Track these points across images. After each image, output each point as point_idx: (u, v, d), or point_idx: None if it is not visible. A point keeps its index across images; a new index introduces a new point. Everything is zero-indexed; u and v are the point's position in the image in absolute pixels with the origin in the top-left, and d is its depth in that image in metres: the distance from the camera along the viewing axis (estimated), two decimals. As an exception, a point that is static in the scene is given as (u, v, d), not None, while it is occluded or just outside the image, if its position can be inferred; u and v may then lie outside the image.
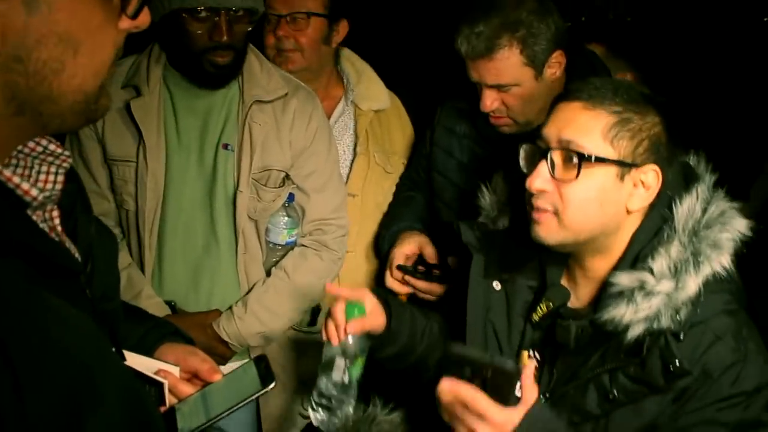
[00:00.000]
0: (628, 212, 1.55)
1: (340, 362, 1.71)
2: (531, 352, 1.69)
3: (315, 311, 2.53)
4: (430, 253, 2.37)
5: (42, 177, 1.00)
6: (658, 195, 1.55)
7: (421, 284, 2.32)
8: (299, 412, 2.55)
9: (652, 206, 1.56)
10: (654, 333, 1.47)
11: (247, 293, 2.33)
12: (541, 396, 1.61)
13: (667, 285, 1.47)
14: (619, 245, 1.57)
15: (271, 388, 1.44)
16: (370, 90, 2.65)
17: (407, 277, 2.33)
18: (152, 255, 2.28)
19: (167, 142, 2.24)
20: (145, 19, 0.91)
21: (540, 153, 1.56)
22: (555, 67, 2.17)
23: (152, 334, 1.53)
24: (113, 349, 1.05)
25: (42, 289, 0.87)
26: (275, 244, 2.36)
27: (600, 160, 1.50)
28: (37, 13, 0.79)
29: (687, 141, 1.62)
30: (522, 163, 1.63)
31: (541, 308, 1.64)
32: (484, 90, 2.18)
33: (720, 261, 1.49)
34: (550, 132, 1.56)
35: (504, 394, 1.40)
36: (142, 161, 2.21)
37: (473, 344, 1.73)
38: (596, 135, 1.51)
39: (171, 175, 2.25)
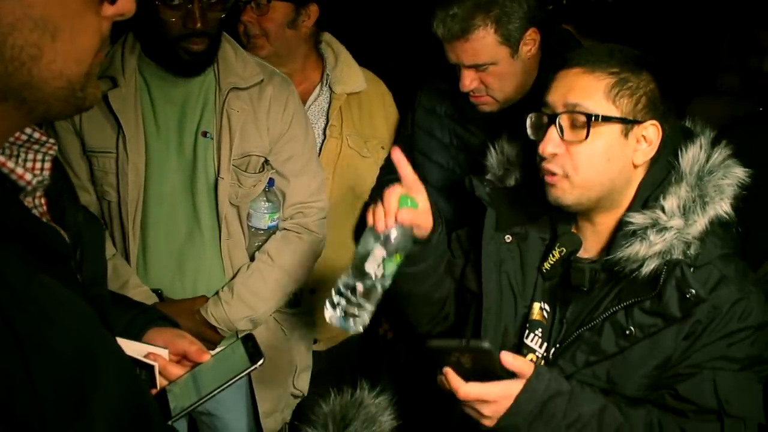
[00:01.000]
0: (635, 166, 1.65)
1: (378, 252, 1.62)
2: (542, 304, 1.76)
3: (297, 293, 2.56)
4: None
5: (29, 164, 1.00)
6: (662, 147, 1.64)
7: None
8: (291, 393, 2.59)
9: (656, 158, 1.65)
10: (670, 264, 1.56)
11: (233, 278, 2.35)
12: (553, 348, 1.72)
13: (677, 221, 1.57)
14: (626, 198, 1.67)
15: (260, 365, 1.45)
16: (345, 73, 2.68)
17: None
18: (136, 244, 2.29)
19: (146, 132, 2.25)
20: (128, 5, 0.90)
21: (548, 119, 1.64)
22: (530, 44, 2.22)
23: (139, 319, 1.54)
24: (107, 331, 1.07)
25: (39, 272, 0.89)
26: (257, 229, 2.39)
27: (606, 119, 1.59)
28: None
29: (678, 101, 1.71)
30: (529, 131, 1.71)
31: (553, 255, 1.72)
32: (462, 71, 2.23)
33: (722, 205, 1.60)
34: (555, 98, 1.64)
35: (492, 371, 1.50)
36: (122, 152, 2.22)
37: (489, 297, 1.80)
38: (599, 96, 1.60)
39: (151, 164, 2.26)
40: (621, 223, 1.64)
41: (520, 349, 1.77)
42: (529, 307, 1.78)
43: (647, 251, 1.57)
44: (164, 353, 1.47)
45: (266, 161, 2.35)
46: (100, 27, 0.90)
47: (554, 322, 1.73)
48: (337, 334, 2.75)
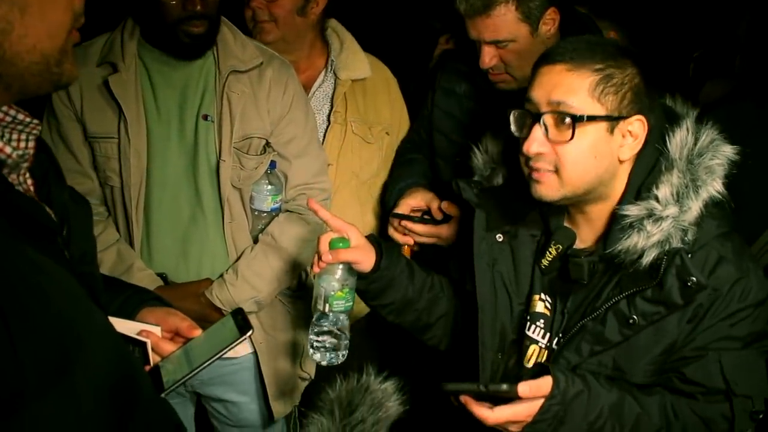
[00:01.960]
0: (620, 162, 1.63)
1: (319, 291, 1.79)
2: (542, 296, 1.76)
3: (302, 275, 2.56)
4: (435, 206, 2.40)
5: (14, 144, 1.02)
6: (648, 137, 1.62)
7: (418, 228, 2.36)
8: (299, 375, 2.61)
9: (644, 145, 1.63)
10: (670, 253, 1.57)
11: (237, 261, 2.36)
12: (555, 338, 1.73)
13: (672, 209, 1.57)
14: (616, 190, 1.66)
15: (249, 335, 1.49)
16: (350, 59, 2.67)
17: (406, 224, 2.39)
18: (140, 229, 2.31)
19: (147, 116, 2.26)
20: None
21: (531, 117, 1.62)
22: (549, 23, 2.23)
23: (133, 299, 1.57)
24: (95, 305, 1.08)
25: (23, 245, 0.90)
26: (260, 211, 2.39)
27: (591, 118, 1.57)
28: None
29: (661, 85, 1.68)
30: (513, 127, 1.68)
31: (550, 252, 1.72)
32: (482, 47, 2.24)
33: (713, 185, 1.60)
34: (539, 96, 1.61)
35: (509, 399, 1.54)
36: (124, 136, 2.23)
37: (483, 297, 1.80)
38: (583, 94, 1.57)
39: (153, 148, 2.27)
40: (616, 216, 1.63)
41: (521, 342, 1.78)
42: (528, 302, 1.78)
43: (646, 242, 1.57)
44: (157, 330, 1.50)
45: (267, 143, 2.36)
46: (71, 2, 0.91)
47: (555, 312, 1.74)
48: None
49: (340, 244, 1.76)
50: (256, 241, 2.40)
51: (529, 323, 1.77)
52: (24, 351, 0.80)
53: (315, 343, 1.82)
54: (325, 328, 1.80)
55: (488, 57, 2.24)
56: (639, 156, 1.64)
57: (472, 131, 2.40)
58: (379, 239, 1.89)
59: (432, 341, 2.02)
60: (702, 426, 1.59)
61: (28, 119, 1.03)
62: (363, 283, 1.82)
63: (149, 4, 2.17)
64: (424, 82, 2.70)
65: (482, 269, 1.80)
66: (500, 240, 1.81)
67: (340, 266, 1.79)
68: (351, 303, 1.83)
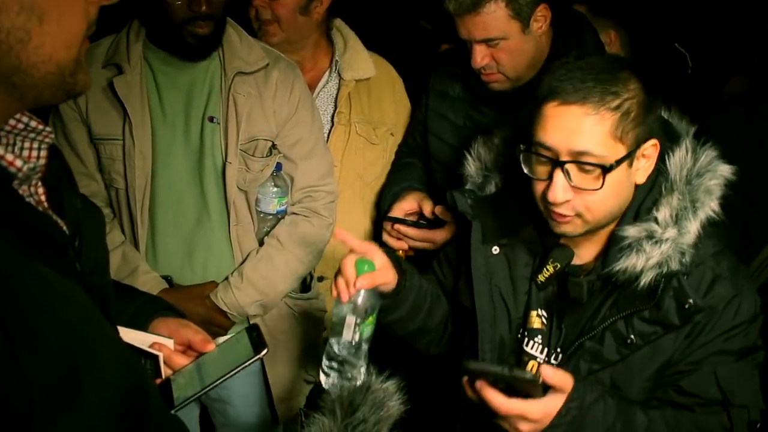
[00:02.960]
0: (636, 186, 1.62)
1: (350, 320, 1.65)
2: (539, 312, 1.74)
3: (307, 278, 2.55)
4: (428, 207, 2.40)
5: (25, 153, 1.00)
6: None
7: (412, 232, 2.36)
8: (304, 378, 2.59)
9: None
10: (668, 275, 1.57)
11: (242, 263, 2.35)
12: (553, 352, 1.71)
13: (672, 232, 1.56)
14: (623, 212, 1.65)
15: (264, 355, 1.45)
16: (353, 59, 2.65)
17: (399, 228, 2.38)
18: (145, 231, 2.29)
19: (152, 118, 2.25)
20: None
21: (552, 164, 1.56)
22: (541, 21, 2.21)
23: (145, 309, 1.55)
24: (106, 321, 1.06)
25: (31, 259, 0.88)
26: (266, 214, 2.38)
27: (619, 162, 1.53)
28: None
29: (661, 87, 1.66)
30: (525, 168, 1.63)
31: (547, 269, 1.70)
32: (473, 46, 2.22)
33: (711, 206, 1.59)
34: (557, 142, 1.54)
35: (532, 393, 1.47)
36: (129, 138, 2.22)
37: (482, 311, 1.78)
38: (606, 139, 1.52)
39: (158, 150, 2.25)
40: (614, 238, 1.62)
41: (520, 356, 1.77)
42: (525, 317, 1.76)
43: (645, 263, 1.56)
44: (169, 343, 1.48)
45: (273, 145, 2.34)
46: (87, 11, 0.89)
47: (552, 328, 1.72)
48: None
49: (366, 267, 1.65)
50: (261, 243, 2.39)
51: (527, 339, 1.76)
52: (31, 375, 0.78)
53: (333, 372, 1.70)
54: (349, 357, 1.68)
55: (480, 56, 2.22)
56: None
57: (466, 134, 2.40)
58: (395, 255, 1.83)
59: (425, 346, 2.00)
60: None
61: (40, 126, 1.02)
62: (384, 303, 1.74)
63: (154, 5, 2.15)
64: (418, 84, 2.69)
65: (480, 282, 1.79)
66: (496, 253, 1.79)
67: (366, 292, 1.66)
68: (374, 326, 1.72)
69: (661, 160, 1.61)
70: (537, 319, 1.74)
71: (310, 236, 2.38)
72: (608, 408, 1.55)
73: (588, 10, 2.82)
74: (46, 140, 1.03)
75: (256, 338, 1.49)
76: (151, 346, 1.43)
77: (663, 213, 1.57)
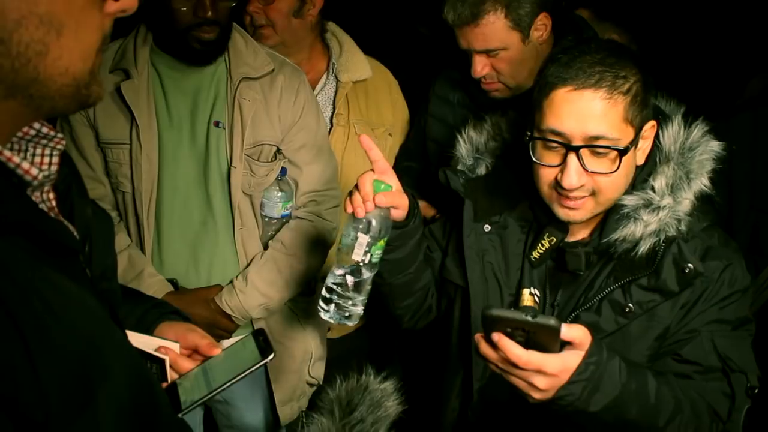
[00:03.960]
0: (638, 166, 1.65)
1: (363, 239, 1.60)
2: (531, 290, 1.75)
3: (311, 281, 2.55)
4: (428, 214, 2.41)
5: (37, 159, 1.00)
6: None
7: None
8: (306, 381, 2.60)
9: None
10: (667, 240, 1.60)
11: (247, 267, 2.36)
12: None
13: (668, 200, 1.61)
14: None
15: (270, 359, 1.46)
16: (350, 61, 2.68)
17: None
18: (151, 235, 2.31)
19: (159, 123, 2.26)
20: (131, 2, 0.91)
21: (566, 150, 1.57)
22: (541, 29, 2.20)
23: (151, 313, 1.56)
24: (116, 326, 1.07)
25: (45, 266, 0.89)
26: (271, 218, 2.39)
27: (632, 144, 1.57)
28: None
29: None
30: (533, 155, 1.63)
31: (542, 245, 1.71)
32: (473, 56, 2.22)
33: (702, 180, 1.63)
34: (570, 127, 1.54)
35: (549, 345, 1.39)
36: (136, 142, 2.23)
37: (474, 287, 1.78)
38: (619, 122, 1.54)
39: (164, 154, 2.27)
40: (613, 207, 1.64)
41: None
42: (517, 294, 1.77)
43: (643, 231, 1.60)
44: (175, 347, 1.48)
45: (278, 150, 2.36)
46: (103, 23, 0.90)
47: (545, 306, 1.74)
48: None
49: (383, 187, 1.61)
50: (266, 247, 2.40)
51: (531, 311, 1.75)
52: (47, 381, 0.78)
53: (333, 303, 1.65)
54: (352, 285, 1.63)
55: (480, 66, 2.23)
56: None
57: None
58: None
59: (400, 311, 1.95)
60: (705, 405, 1.58)
61: (52, 133, 1.02)
62: (393, 233, 1.71)
63: (160, 11, 2.16)
64: (416, 89, 2.70)
65: (472, 259, 1.80)
66: (488, 230, 1.80)
67: (381, 212, 1.62)
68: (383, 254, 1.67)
69: (655, 136, 1.65)
70: (529, 297, 1.74)
71: (314, 240, 2.39)
72: (622, 366, 1.48)
73: (591, 14, 2.83)
74: (58, 146, 1.03)
75: (263, 343, 1.50)
76: (157, 350, 1.44)
77: (659, 182, 1.61)
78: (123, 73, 2.25)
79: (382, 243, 1.64)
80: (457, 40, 2.22)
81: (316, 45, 2.72)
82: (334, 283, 1.65)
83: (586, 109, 1.53)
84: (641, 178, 1.65)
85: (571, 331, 1.40)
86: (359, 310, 1.66)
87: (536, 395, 1.42)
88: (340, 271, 1.64)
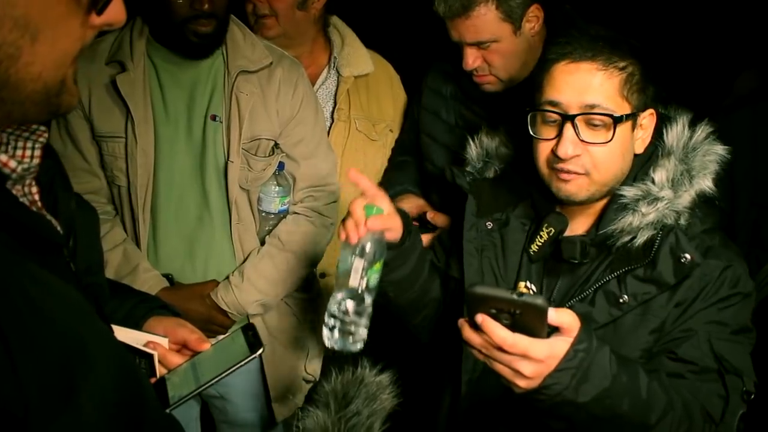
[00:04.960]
0: (635, 155, 1.66)
1: (358, 264, 1.62)
2: (527, 284, 1.75)
3: (309, 277, 2.54)
4: (431, 216, 2.38)
5: (19, 152, 0.99)
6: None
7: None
8: (302, 377, 2.59)
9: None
10: (665, 230, 1.60)
11: (243, 263, 2.35)
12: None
13: (667, 192, 1.61)
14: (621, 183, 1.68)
15: (259, 354, 1.45)
16: (352, 56, 2.65)
17: None
18: (146, 229, 2.29)
19: (155, 116, 2.24)
20: (117, 16, 0.90)
21: (562, 119, 1.60)
22: (533, 21, 2.19)
23: (140, 308, 1.54)
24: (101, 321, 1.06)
25: (26, 261, 0.88)
26: (268, 213, 2.37)
27: (628, 117, 1.59)
28: None
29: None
30: (532, 130, 1.66)
31: (541, 236, 1.71)
32: (465, 49, 2.20)
33: (705, 181, 1.63)
34: (567, 97, 1.59)
35: (536, 330, 1.34)
36: (131, 136, 2.22)
37: (470, 281, 1.77)
38: (615, 95, 1.58)
39: (160, 148, 2.25)
40: (612, 197, 1.66)
41: None
42: (514, 287, 1.76)
43: (641, 221, 1.60)
44: (164, 342, 1.47)
45: (276, 145, 2.34)
46: (84, 35, 0.89)
47: None
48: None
49: (375, 211, 1.65)
50: (263, 242, 2.39)
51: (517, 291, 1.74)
52: (27, 376, 0.77)
53: (336, 330, 1.65)
54: (353, 310, 1.62)
55: (471, 59, 2.21)
56: None
57: (458, 133, 2.40)
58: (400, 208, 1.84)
59: (416, 328, 1.99)
60: (698, 405, 1.55)
61: (34, 126, 1.01)
62: (388, 254, 1.72)
63: (157, 3, 2.15)
64: (415, 81, 2.68)
65: (470, 254, 1.81)
66: (489, 227, 1.82)
67: (374, 236, 1.64)
68: (380, 277, 1.69)
69: (659, 135, 1.66)
70: (525, 290, 1.74)
71: (311, 236, 2.37)
72: (612, 358, 1.42)
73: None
74: (40, 139, 1.02)
75: (252, 337, 1.49)
76: (145, 345, 1.43)
77: (659, 175, 1.62)
78: (119, 65, 2.23)
79: (378, 266, 1.66)
80: (449, 32, 2.20)
81: (318, 39, 2.69)
82: (335, 310, 1.65)
83: (583, 80, 1.58)
84: (642, 172, 1.65)
85: (559, 315, 1.35)
86: (363, 334, 1.66)
87: (522, 383, 1.36)
88: (339, 297, 1.64)
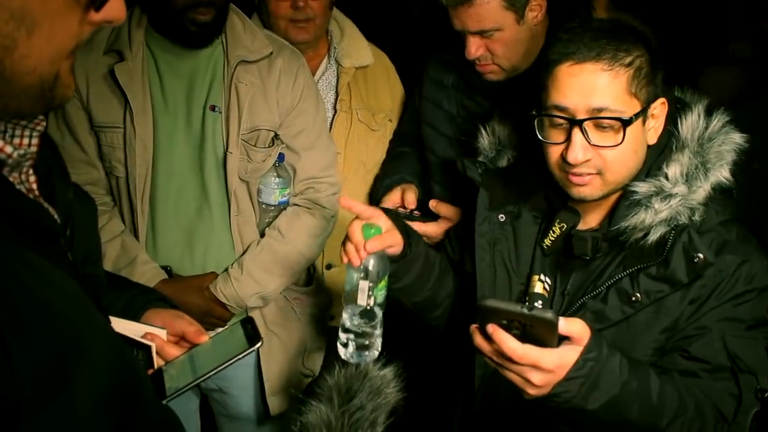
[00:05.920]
0: (648, 146, 1.63)
1: (363, 285, 1.66)
2: (541, 277, 1.74)
3: (310, 270, 2.53)
4: (410, 198, 2.40)
5: (17, 140, 0.99)
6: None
7: (417, 227, 2.30)
8: (300, 372, 2.57)
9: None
10: (678, 229, 1.56)
11: (242, 255, 2.33)
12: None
13: (681, 188, 1.57)
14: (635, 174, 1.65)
15: (258, 347, 1.45)
16: (352, 47, 2.63)
17: None
18: (145, 221, 2.27)
19: (154, 106, 2.22)
20: (116, 13, 0.89)
21: (570, 124, 1.56)
22: (536, 10, 2.18)
23: (138, 300, 1.54)
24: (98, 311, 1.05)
25: (23, 248, 0.87)
26: (268, 205, 2.36)
27: (638, 116, 1.55)
28: None
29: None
30: (540, 134, 1.63)
31: (553, 231, 1.70)
32: (467, 37, 2.19)
33: (722, 171, 1.59)
34: (574, 102, 1.55)
35: (546, 340, 1.36)
36: (130, 126, 2.20)
37: (482, 275, 1.78)
38: (623, 94, 1.54)
39: (159, 138, 2.23)
40: (624, 193, 1.63)
41: None
42: (527, 282, 1.76)
43: (653, 219, 1.57)
44: (162, 333, 1.47)
45: (276, 135, 2.32)
46: (81, 31, 0.89)
47: (555, 294, 1.72)
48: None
49: (373, 231, 1.66)
50: (262, 234, 2.37)
51: (527, 304, 1.72)
52: (21, 365, 0.77)
53: (350, 342, 1.68)
54: (365, 325, 1.67)
55: (474, 47, 2.19)
56: None
57: (460, 123, 2.38)
58: (399, 219, 1.84)
59: (435, 322, 2.00)
60: (710, 404, 1.55)
61: None
62: (393, 267, 1.75)
63: (156, -8, 2.13)
64: (411, 71, 2.67)
65: (482, 248, 1.80)
66: (502, 220, 1.80)
67: (376, 255, 1.67)
68: (387, 290, 1.73)
69: (673, 125, 1.62)
70: (539, 283, 1.73)
71: (311, 228, 2.35)
72: (623, 364, 1.45)
73: (609, 1, 2.78)
74: (38, 128, 1.02)
75: (251, 330, 1.49)
76: (143, 337, 1.43)
77: (673, 170, 1.59)
78: (117, 55, 2.20)
79: (383, 284, 1.69)
80: (451, 21, 2.19)
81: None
82: (348, 326, 1.69)
83: (588, 82, 1.54)
84: (656, 166, 1.62)
85: (569, 325, 1.37)
86: (378, 344, 1.70)
87: (531, 391, 1.40)
88: (350, 313, 1.69)
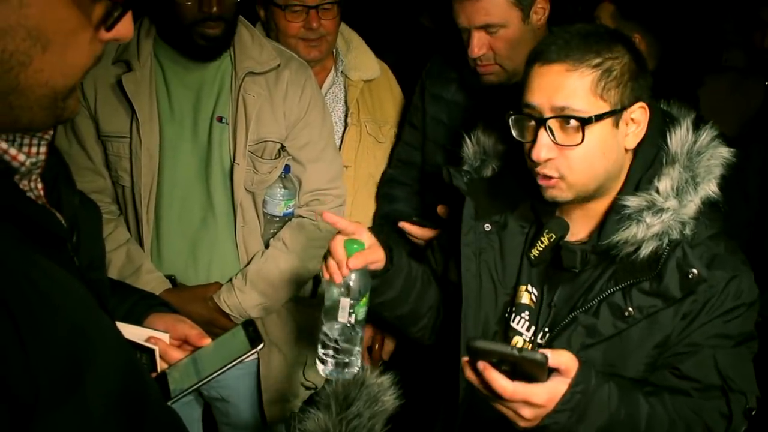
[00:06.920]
0: (626, 151, 1.62)
1: (344, 302, 1.65)
2: (528, 287, 1.74)
3: (316, 282, 2.53)
4: (441, 208, 2.37)
5: (25, 149, 1.01)
6: (649, 126, 1.61)
7: (415, 230, 2.34)
8: (301, 383, 2.58)
9: (644, 139, 1.62)
10: (671, 243, 1.56)
11: (247, 265, 2.34)
12: (540, 332, 1.69)
13: (673, 202, 1.57)
14: (619, 183, 1.64)
15: (260, 349, 1.47)
16: (360, 60, 2.64)
17: (403, 225, 2.36)
18: (150, 230, 2.28)
19: (160, 116, 2.24)
20: (125, 32, 0.93)
21: (536, 122, 1.58)
22: (540, 13, 2.21)
23: (140, 305, 1.55)
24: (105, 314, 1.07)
25: (35, 252, 0.90)
26: (273, 216, 2.37)
27: (599, 117, 1.54)
28: (6, 4, 0.80)
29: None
30: (514, 132, 1.65)
31: (541, 242, 1.70)
32: (472, 34, 2.20)
33: (710, 185, 1.60)
34: (540, 100, 1.57)
35: (536, 376, 1.40)
36: (136, 136, 2.21)
37: (468, 285, 1.78)
38: (586, 94, 1.54)
39: (165, 149, 2.25)
40: (614, 206, 1.62)
41: (506, 333, 1.76)
42: (514, 293, 1.76)
43: (645, 233, 1.56)
44: (165, 337, 1.48)
45: (282, 147, 2.33)
46: (94, 48, 0.92)
47: (542, 305, 1.71)
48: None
49: (356, 247, 1.65)
50: (267, 245, 2.38)
51: (513, 314, 1.75)
52: (37, 363, 0.79)
53: (329, 359, 1.68)
54: (344, 341, 1.66)
55: (478, 45, 2.20)
56: (639, 150, 1.63)
57: (461, 135, 2.40)
58: (380, 233, 1.85)
59: (418, 334, 1.99)
60: (701, 424, 1.57)
61: None
62: (375, 282, 1.75)
63: (165, 5, 2.14)
64: (413, 83, 2.68)
65: (468, 258, 1.79)
66: (488, 230, 1.80)
67: (358, 272, 1.66)
68: (368, 307, 1.72)
69: (662, 138, 1.63)
70: (526, 294, 1.73)
71: (316, 240, 2.35)
72: (612, 393, 1.49)
73: (616, 11, 2.80)
74: (46, 137, 1.05)
75: (252, 333, 1.51)
76: (146, 341, 1.44)
77: (664, 184, 1.59)
78: (125, 65, 2.22)
79: (364, 301, 1.68)
80: (456, 18, 2.20)
81: None
82: (326, 342, 1.68)
83: (552, 81, 1.55)
84: (646, 180, 1.61)
85: (556, 357, 1.42)
86: (357, 362, 1.69)
87: (522, 424, 1.44)
88: (329, 329, 1.68)
